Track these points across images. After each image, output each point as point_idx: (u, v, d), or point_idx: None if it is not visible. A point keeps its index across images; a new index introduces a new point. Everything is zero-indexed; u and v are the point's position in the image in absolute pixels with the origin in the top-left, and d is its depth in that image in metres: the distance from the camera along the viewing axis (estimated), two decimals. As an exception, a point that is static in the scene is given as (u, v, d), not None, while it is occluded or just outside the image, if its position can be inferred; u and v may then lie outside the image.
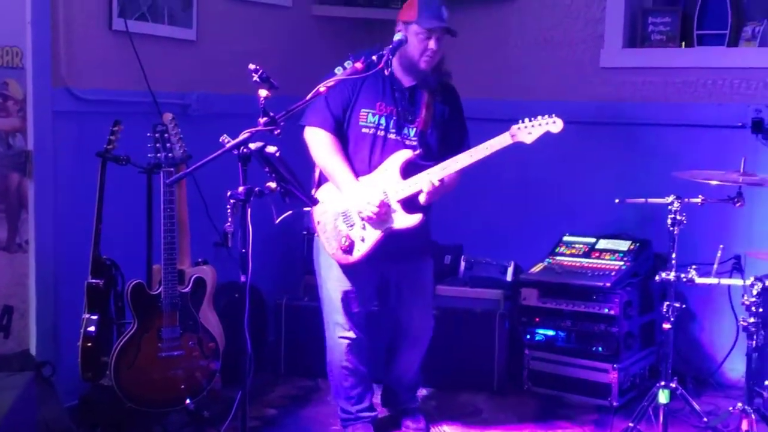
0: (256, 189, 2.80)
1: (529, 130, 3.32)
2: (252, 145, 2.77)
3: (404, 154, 3.44)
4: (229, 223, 2.84)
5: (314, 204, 3.16)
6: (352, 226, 3.47)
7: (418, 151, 3.44)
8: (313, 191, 3.58)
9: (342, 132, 3.49)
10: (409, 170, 3.44)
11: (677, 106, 4.67)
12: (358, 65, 3.08)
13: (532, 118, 3.33)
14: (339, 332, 3.65)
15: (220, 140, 2.80)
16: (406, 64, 3.45)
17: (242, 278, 2.82)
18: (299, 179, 2.92)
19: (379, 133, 3.46)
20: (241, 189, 2.77)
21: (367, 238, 3.45)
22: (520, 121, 3.34)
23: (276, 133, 2.81)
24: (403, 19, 3.42)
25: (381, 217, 3.40)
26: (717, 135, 4.54)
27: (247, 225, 2.78)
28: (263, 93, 2.82)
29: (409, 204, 3.43)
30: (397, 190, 3.41)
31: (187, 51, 4.37)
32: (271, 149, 2.78)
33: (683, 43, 4.77)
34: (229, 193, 2.79)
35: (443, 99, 3.56)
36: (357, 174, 3.48)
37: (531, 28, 5.02)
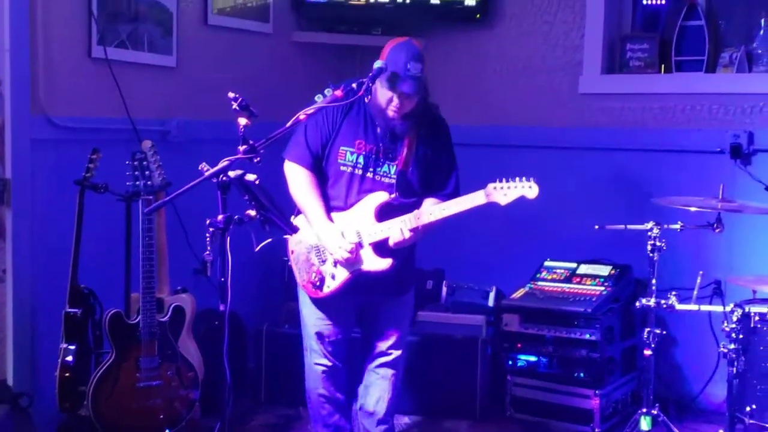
0: (236, 217, 2.79)
1: (504, 192, 3.27)
2: (231, 173, 2.77)
3: (379, 197, 3.40)
4: (208, 252, 2.83)
5: (294, 232, 3.15)
6: (324, 261, 3.46)
7: (393, 195, 3.40)
8: (292, 218, 3.56)
9: (320, 168, 3.47)
10: (386, 210, 3.40)
11: (656, 132, 4.70)
12: (338, 93, 3.08)
13: (509, 180, 3.26)
14: (315, 358, 3.63)
15: (200, 168, 2.80)
16: (376, 107, 3.36)
17: (221, 307, 2.81)
18: (279, 207, 2.91)
19: (356, 171, 3.41)
20: (220, 217, 2.77)
21: (337, 276, 3.44)
22: (497, 180, 3.27)
23: (256, 161, 2.80)
24: (381, 58, 3.35)
25: (352, 259, 3.39)
26: (696, 160, 4.57)
27: (227, 253, 2.78)
28: (242, 121, 2.82)
29: (382, 246, 3.41)
30: (370, 232, 3.39)
31: (167, 78, 4.36)
32: (250, 177, 2.78)
33: (662, 69, 4.81)
34: (208, 221, 2.78)
35: (429, 134, 3.46)
36: (335, 210, 3.45)
37: (510, 55, 5.05)
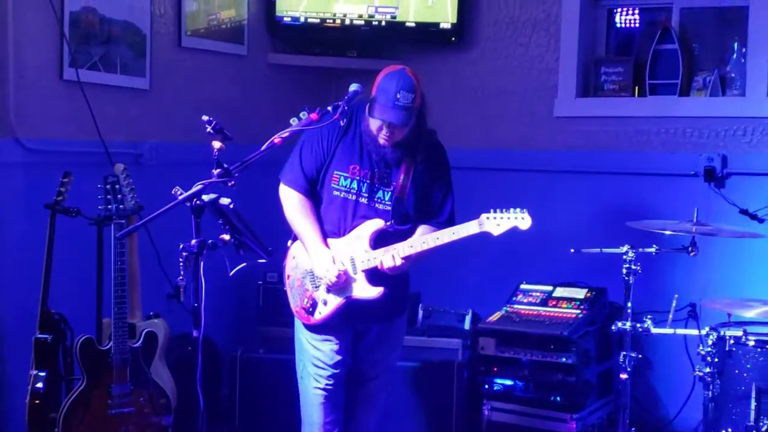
0: (210, 241, 2.78)
1: (497, 222, 3.29)
2: (205, 197, 2.75)
3: (375, 224, 3.39)
4: (181, 277, 2.80)
5: (269, 256, 3.13)
6: (317, 287, 3.44)
7: (389, 223, 3.40)
8: (289, 243, 3.56)
9: (315, 192, 3.46)
10: (381, 237, 3.40)
11: (631, 155, 4.73)
12: (314, 116, 3.08)
13: (503, 211, 3.26)
14: (312, 384, 3.56)
15: (173, 192, 2.78)
16: (367, 133, 3.35)
17: (195, 332, 2.79)
18: (254, 231, 2.89)
19: (350, 197, 3.40)
20: (193, 242, 2.75)
21: (329, 303, 3.42)
22: (491, 210, 3.28)
23: (230, 184, 2.79)
24: (375, 85, 3.31)
25: (341, 285, 3.37)
26: (670, 184, 4.61)
27: (200, 278, 2.76)
28: (217, 144, 2.81)
29: (376, 273, 3.40)
30: (363, 260, 3.39)
31: (140, 100, 4.34)
32: (224, 201, 2.77)
33: (636, 93, 4.85)
34: (181, 246, 2.76)
35: (426, 161, 3.45)
36: (331, 235, 3.44)
37: (486, 78, 5.07)
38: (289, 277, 3.54)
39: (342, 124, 3.34)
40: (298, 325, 3.57)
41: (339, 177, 3.40)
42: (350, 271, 3.37)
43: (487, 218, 3.28)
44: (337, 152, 3.39)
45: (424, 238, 3.35)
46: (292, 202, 3.43)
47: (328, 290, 3.40)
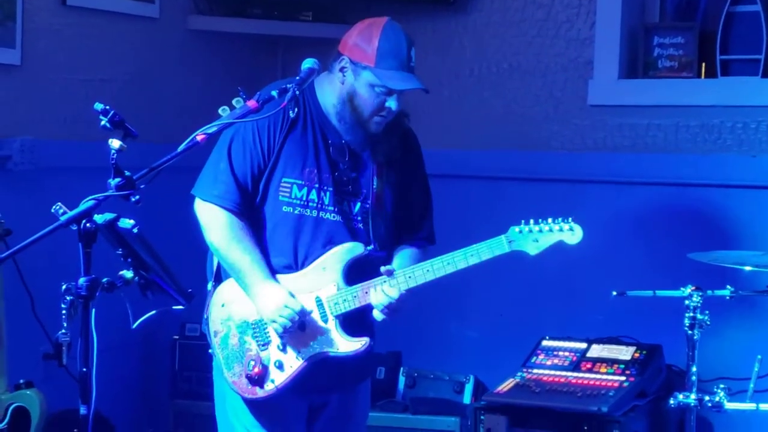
0: (105, 280, 2.76)
1: (534, 236, 3.28)
2: (99, 218, 2.74)
3: (349, 250, 3.37)
4: (64, 330, 2.78)
5: (188, 301, 3.11)
6: (265, 345, 3.39)
7: (371, 247, 3.39)
8: (209, 286, 3.51)
9: (250, 209, 3.42)
10: (355, 268, 3.39)
11: (694, 159, 4.76)
12: (252, 104, 3.06)
13: (540, 222, 3.28)
14: None
15: (53, 210, 2.76)
16: (349, 117, 3.35)
17: (83, 409, 2.77)
18: (167, 265, 2.88)
19: (308, 212, 3.37)
20: (82, 280, 2.73)
21: (286, 365, 3.36)
22: (522, 222, 3.30)
23: (134, 200, 2.77)
24: (351, 57, 3.31)
25: (303, 335, 3.34)
26: (750, 199, 4.64)
27: (91, 332, 2.73)
28: (115, 144, 2.78)
29: (353, 319, 3.38)
30: (337, 300, 3.35)
31: (7, 80, 4.33)
32: (126, 224, 2.75)
33: (702, 73, 4.89)
34: (64, 287, 2.74)
35: (402, 153, 3.47)
36: (280, 270, 3.39)
37: (493, 52, 5.10)
38: (217, 333, 3.49)
39: (291, 114, 3.34)
40: (230, 403, 3.51)
41: (290, 186, 3.37)
42: (317, 316, 3.35)
43: (519, 232, 3.28)
44: (284, 152, 3.37)
45: (427, 265, 3.32)
46: (219, 225, 3.38)
47: (284, 346, 3.37)
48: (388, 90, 3.27)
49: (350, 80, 3.28)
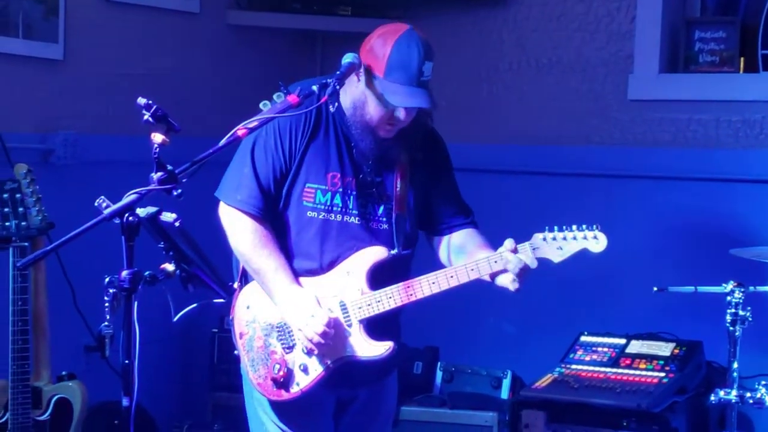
0: (147, 273, 2.77)
1: (558, 244, 3.26)
2: (141, 212, 2.75)
3: (374, 254, 3.36)
4: (106, 323, 2.80)
5: (230, 294, 3.13)
6: (291, 348, 3.40)
7: (395, 251, 3.38)
8: (235, 285, 3.52)
9: (275, 212, 3.43)
10: (379, 271, 3.39)
11: (736, 155, 4.75)
12: (292, 99, 3.07)
13: (564, 229, 3.24)
14: None
15: (96, 204, 2.78)
16: (360, 122, 3.33)
17: (125, 401, 2.79)
18: (208, 259, 2.89)
19: (333, 217, 3.37)
20: (125, 273, 2.75)
21: (311, 368, 3.36)
22: (546, 229, 3.28)
23: (176, 194, 2.79)
24: (366, 62, 3.25)
25: (330, 340, 3.34)
26: (794, 195, 4.62)
27: (133, 325, 2.75)
28: (158, 138, 2.79)
29: (377, 324, 3.39)
30: (361, 304, 3.34)
31: (50, 75, 4.36)
32: (168, 217, 2.76)
33: (743, 67, 4.86)
34: (107, 280, 2.76)
35: (426, 154, 3.45)
36: (305, 274, 3.39)
37: (530, 46, 5.10)
38: (242, 335, 3.48)
39: (332, 109, 3.34)
40: (259, 402, 3.53)
41: (314, 191, 3.37)
42: (342, 321, 3.36)
43: (543, 239, 3.27)
44: (308, 156, 3.37)
45: (458, 269, 3.31)
46: (243, 230, 3.38)
47: (309, 351, 3.38)
48: (394, 102, 3.26)
49: (362, 86, 3.26)
